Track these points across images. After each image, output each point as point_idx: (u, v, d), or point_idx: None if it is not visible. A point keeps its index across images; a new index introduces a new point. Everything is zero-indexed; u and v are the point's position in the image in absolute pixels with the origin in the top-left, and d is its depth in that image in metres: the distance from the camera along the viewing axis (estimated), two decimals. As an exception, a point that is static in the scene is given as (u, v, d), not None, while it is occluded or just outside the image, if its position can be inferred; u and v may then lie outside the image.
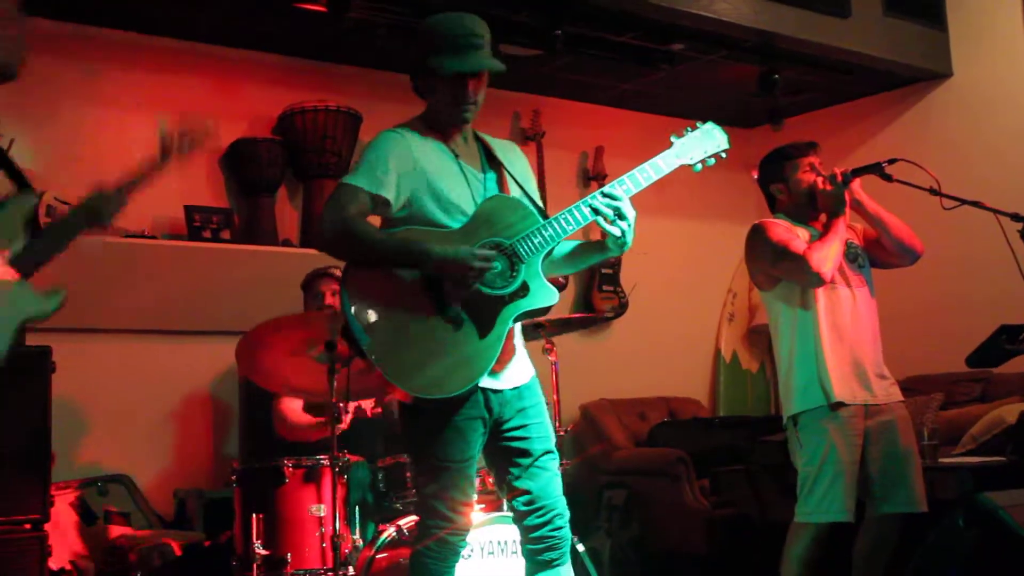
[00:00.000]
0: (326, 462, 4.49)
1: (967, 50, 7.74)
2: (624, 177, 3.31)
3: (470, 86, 3.33)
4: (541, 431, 3.42)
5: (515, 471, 3.40)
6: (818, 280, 4.28)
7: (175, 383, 6.18)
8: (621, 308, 7.93)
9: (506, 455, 3.41)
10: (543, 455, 3.41)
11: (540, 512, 3.38)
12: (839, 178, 4.38)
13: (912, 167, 4.38)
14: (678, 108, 8.07)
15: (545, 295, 3.27)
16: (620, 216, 3.27)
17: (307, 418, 5.24)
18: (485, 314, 3.22)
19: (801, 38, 7.00)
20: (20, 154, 5.53)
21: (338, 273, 5.34)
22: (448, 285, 3.20)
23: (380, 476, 4.79)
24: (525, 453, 3.40)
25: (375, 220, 3.36)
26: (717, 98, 7.87)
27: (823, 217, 4.43)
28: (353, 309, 3.22)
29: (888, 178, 4.42)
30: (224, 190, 6.48)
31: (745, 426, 7.05)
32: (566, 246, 3.50)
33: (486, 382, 3.29)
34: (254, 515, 4.44)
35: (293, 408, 5.26)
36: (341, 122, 6.54)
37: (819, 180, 4.45)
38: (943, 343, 6.63)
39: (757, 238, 4.48)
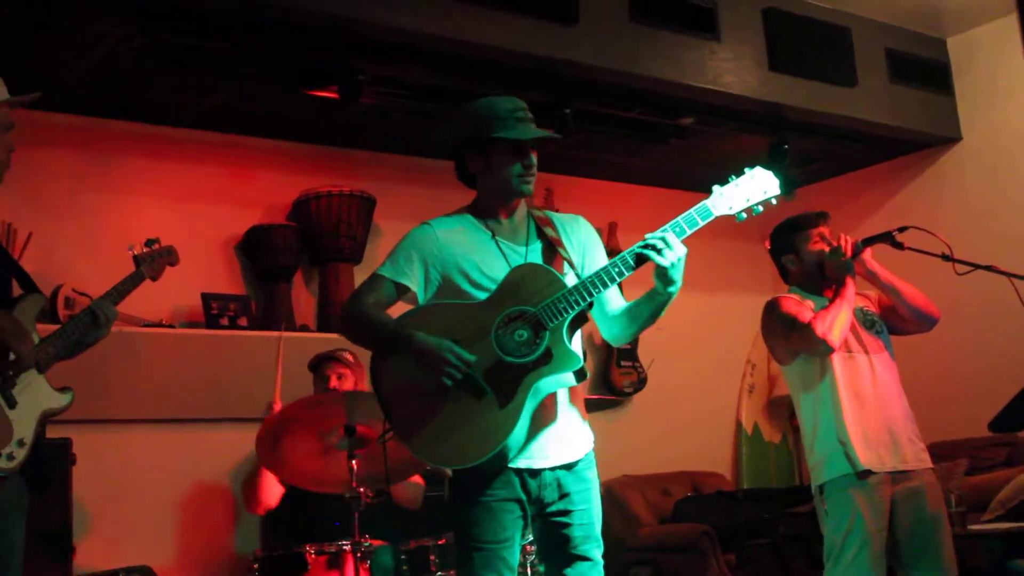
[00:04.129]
0: (348, 547, 4.46)
1: (975, 114, 7.78)
2: (657, 231, 3.21)
3: (529, 157, 3.40)
4: (583, 518, 3.36)
5: (556, 555, 3.38)
6: (826, 348, 4.27)
7: (195, 471, 6.17)
8: (640, 383, 7.91)
9: (549, 537, 3.39)
10: (584, 542, 3.36)
11: None
12: (846, 249, 4.39)
13: (923, 233, 4.39)
14: (689, 181, 8.11)
15: (568, 361, 3.21)
16: (667, 247, 3.17)
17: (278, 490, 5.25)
18: (507, 383, 3.19)
19: (809, 108, 7.06)
20: (38, 247, 5.63)
21: (348, 356, 5.38)
22: (432, 373, 3.20)
23: (404, 559, 4.76)
24: (566, 539, 3.35)
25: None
26: (728, 170, 7.85)
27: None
28: (379, 383, 3.30)
29: (899, 246, 4.43)
30: (241, 277, 6.52)
31: (770, 499, 7.00)
32: (622, 305, 3.46)
33: (521, 461, 3.27)
34: (277, 603, 4.42)
35: (269, 485, 5.27)
36: (355, 206, 6.59)
37: (826, 250, 4.47)
38: (964, 408, 6.59)
39: (771, 314, 4.50)
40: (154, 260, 4.10)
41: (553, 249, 3.43)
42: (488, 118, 3.38)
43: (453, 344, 3.18)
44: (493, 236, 3.42)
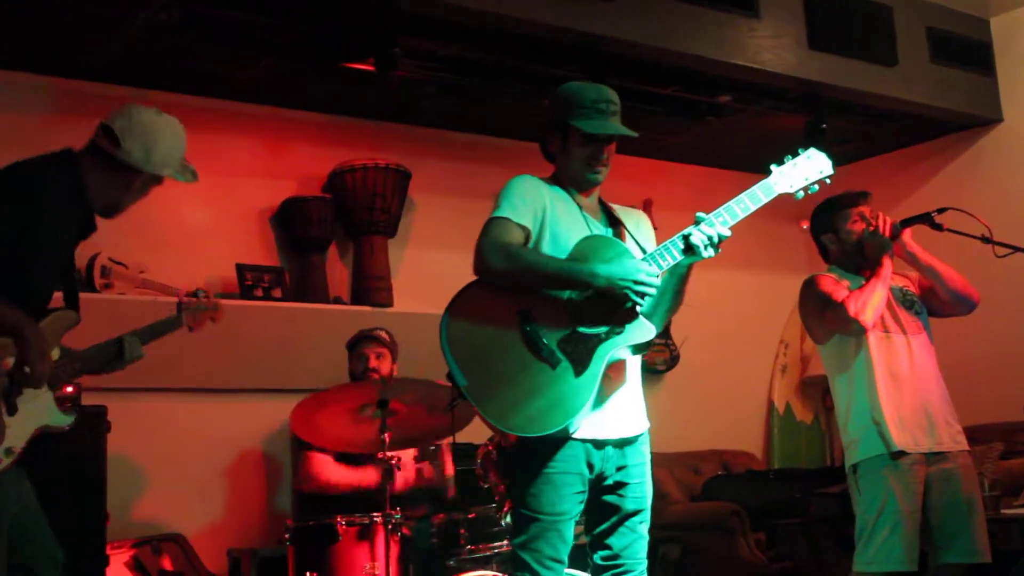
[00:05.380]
0: (379, 519, 4.48)
1: (1016, 94, 7.69)
2: (720, 209, 3.32)
3: (602, 150, 3.48)
4: (637, 491, 3.42)
5: (603, 525, 3.43)
6: (858, 327, 4.26)
7: (228, 441, 6.20)
8: (672, 361, 7.89)
9: (598, 507, 3.43)
10: (633, 515, 3.42)
11: (617, 570, 3.41)
12: (884, 229, 4.36)
13: (963, 215, 4.35)
14: (726, 160, 8.07)
15: (641, 331, 3.30)
16: (712, 245, 3.28)
17: (339, 475, 5.25)
18: (581, 352, 3.24)
19: (848, 87, 6.99)
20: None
21: (384, 336, 5.39)
22: (617, 303, 3.25)
23: (434, 533, 4.77)
24: (616, 509, 3.41)
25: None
26: (764, 149, 7.82)
27: (876, 267, 4.42)
28: (452, 351, 3.28)
29: (939, 227, 4.40)
30: (275, 249, 6.53)
31: (800, 479, 6.97)
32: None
33: (588, 431, 3.30)
34: (308, 573, 4.44)
35: (323, 464, 5.27)
36: (391, 179, 6.58)
37: (863, 228, 4.45)
38: (1000, 392, 6.54)
39: (808, 292, 4.49)
40: (197, 311, 4.08)
41: (622, 229, 3.53)
42: (570, 104, 3.47)
43: (637, 263, 3.26)
44: (581, 209, 3.49)
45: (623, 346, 3.29)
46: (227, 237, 6.28)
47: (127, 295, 5.74)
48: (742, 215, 3.34)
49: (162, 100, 6.18)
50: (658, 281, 3.26)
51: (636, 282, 3.22)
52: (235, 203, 6.38)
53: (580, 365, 3.23)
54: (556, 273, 3.29)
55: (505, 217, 3.35)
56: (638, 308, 3.29)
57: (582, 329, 3.25)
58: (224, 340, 5.95)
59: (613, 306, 3.26)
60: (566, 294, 3.29)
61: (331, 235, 6.58)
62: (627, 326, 3.27)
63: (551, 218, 3.40)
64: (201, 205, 6.21)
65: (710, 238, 3.25)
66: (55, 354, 3.44)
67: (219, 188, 6.28)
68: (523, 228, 3.35)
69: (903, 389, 4.31)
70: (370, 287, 6.50)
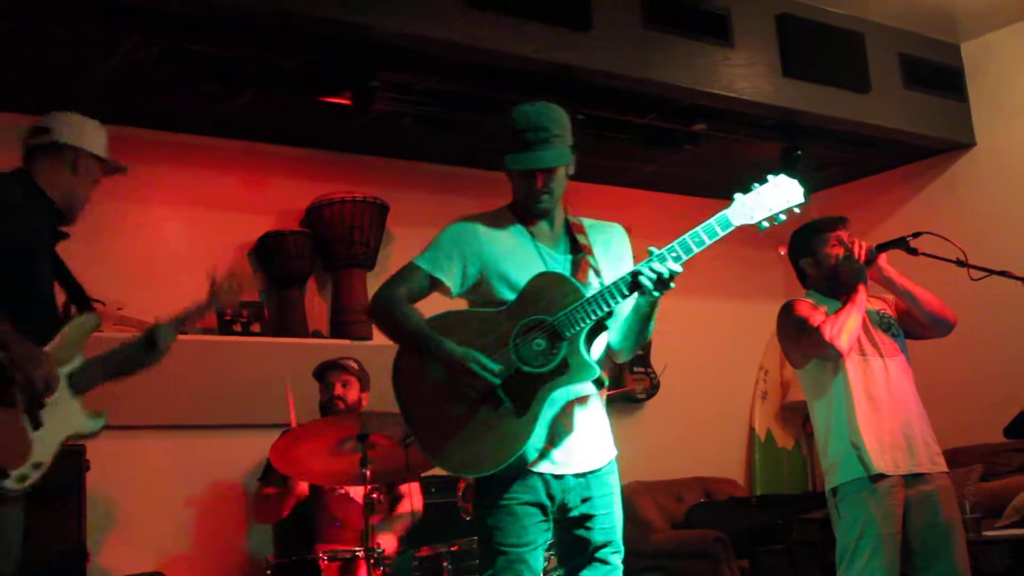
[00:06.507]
0: (361, 554, 4.46)
1: (989, 119, 7.76)
2: (674, 244, 3.19)
3: (537, 181, 3.35)
4: (605, 523, 3.39)
5: (575, 559, 3.40)
6: (834, 352, 4.28)
7: (208, 478, 6.17)
8: (653, 389, 7.89)
9: (568, 541, 3.41)
10: (603, 546, 3.39)
11: None
12: (860, 254, 4.38)
13: (938, 239, 4.38)
14: (702, 188, 8.10)
15: (584, 372, 3.23)
16: (663, 283, 3.16)
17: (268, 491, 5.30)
18: (524, 392, 3.21)
19: (822, 114, 7.04)
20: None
21: (352, 364, 5.38)
22: (456, 381, 3.24)
23: (416, 567, 4.75)
24: (586, 543, 3.38)
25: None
26: (741, 176, 7.85)
27: (855, 291, 4.44)
28: (399, 389, 3.33)
29: (913, 252, 4.43)
30: (254, 283, 6.51)
31: (783, 505, 6.97)
32: (623, 320, 3.43)
33: (545, 466, 3.28)
34: (290, 610, 4.42)
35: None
36: (368, 212, 6.59)
37: (841, 253, 4.47)
38: (979, 414, 6.56)
39: (785, 317, 4.51)
40: (229, 294, 4.05)
41: (582, 257, 3.43)
42: (508, 134, 3.35)
43: (479, 354, 3.21)
44: (533, 239, 3.43)
45: (567, 386, 3.24)
46: (206, 272, 6.26)
47: (105, 332, 5.69)
48: (697, 250, 3.19)
49: (139, 136, 6.19)
50: (496, 379, 3.19)
51: (467, 372, 3.19)
52: (213, 238, 6.37)
53: (522, 406, 3.21)
54: (413, 336, 3.31)
55: (418, 265, 3.38)
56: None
57: (526, 370, 3.22)
58: (203, 376, 5.94)
59: (556, 346, 3.22)
60: (512, 333, 3.25)
61: (310, 269, 6.57)
62: (571, 367, 3.21)
63: (494, 261, 3.36)
64: (179, 240, 6.20)
65: (660, 275, 3.15)
66: (78, 361, 3.39)
67: (197, 223, 6.27)
68: (435, 280, 3.36)
69: (881, 411, 4.32)
70: (349, 320, 6.49)
